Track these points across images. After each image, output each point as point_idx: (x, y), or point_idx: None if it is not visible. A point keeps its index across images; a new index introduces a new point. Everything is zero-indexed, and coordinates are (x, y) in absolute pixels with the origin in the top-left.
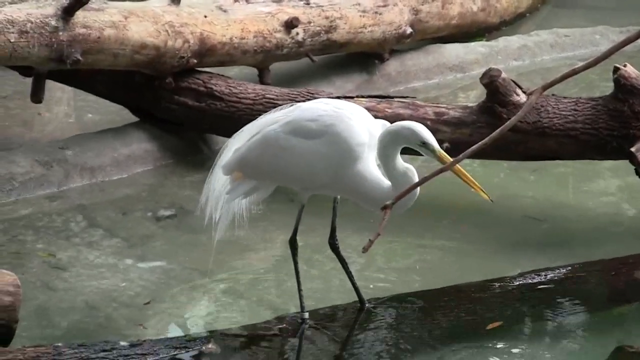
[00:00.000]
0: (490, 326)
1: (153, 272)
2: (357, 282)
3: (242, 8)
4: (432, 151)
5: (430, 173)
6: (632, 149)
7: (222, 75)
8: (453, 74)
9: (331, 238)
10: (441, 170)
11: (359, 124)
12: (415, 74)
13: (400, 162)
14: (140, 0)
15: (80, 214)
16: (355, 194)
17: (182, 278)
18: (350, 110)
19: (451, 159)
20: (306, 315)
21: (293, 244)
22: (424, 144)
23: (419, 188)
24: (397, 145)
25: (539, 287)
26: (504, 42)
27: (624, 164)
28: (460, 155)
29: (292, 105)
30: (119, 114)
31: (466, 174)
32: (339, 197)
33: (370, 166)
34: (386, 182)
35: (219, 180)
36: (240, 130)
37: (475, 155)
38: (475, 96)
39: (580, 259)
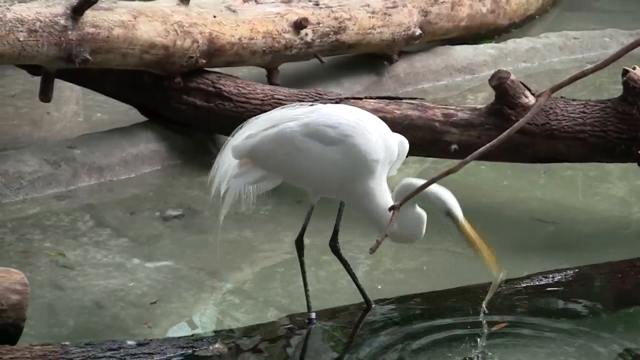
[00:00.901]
0: (495, 327)
1: (160, 271)
2: (364, 283)
3: (251, 8)
4: (455, 221)
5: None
6: None
7: (231, 76)
8: (462, 76)
9: (332, 240)
10: (448, 173)
11: (376, 140)
12: (424, 76)
13: (417, 208)
14: (149, 0)
15: (88, 214)
16: (361, 207)
17: (190, 278)
18: (370, 124)
19: (474, 232)
20: (313, 315)
21: (299, 244)
22: (449, 214)
23: (424, 228)
24: (420, 201)
25: (547, 289)
26: (513, 44)
27: (633, 166)
28: (468, 157)
29: (312, 105)
30: (128, 113)
31: (476, 242)
32: None
33: (382, 186)
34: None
35: (228, 161)
36: (257, 116)
37: (483, 157)
38: (483, 98)
39: (588, 262)
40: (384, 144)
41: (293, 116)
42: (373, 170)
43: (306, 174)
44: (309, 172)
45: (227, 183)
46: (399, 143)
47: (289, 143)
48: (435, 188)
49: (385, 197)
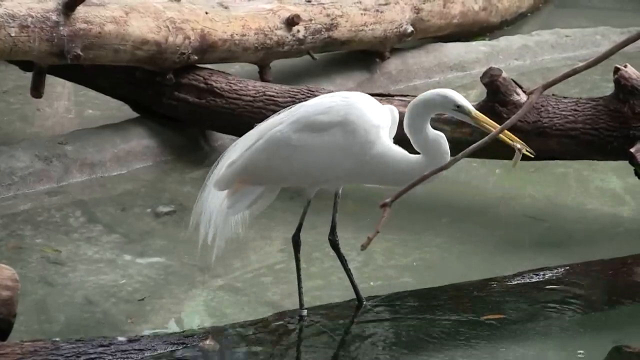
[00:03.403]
0: (487, 315)
1: (152, 268)
2: (355, 280)
3: (243, 5)
4: (467, 113)
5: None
6: (632, 150)
7: (223, 72)
8: (454, 73)
9: (331, 235)
10: (439, 170)
11: (369, 108)
12: (416, 73)
13: (431, 130)
14: None
15: (80, 210)
16: (381, 176)
17: (181, 274)
18: (357, 97)
19: (486, 118)
20: (304, 312)
21: (296, 240)
22: (459, 107)
23: (447, 147)
24: (429, 113)
25: (538, 286)
26: (505, 42)
27: (624, 164)
28: (460, 154)
29: (289, 109)
30: (120, 109)
31: (493, 126)
32: (340, 192)
33: (391, 146)
34: (412, 156)
35: (213, 197)
36: (233, 144)
37: (475, 154)
38: (475, 95)
39: (579, 259)
40: (377, 111)
41: (276, 122)
42: (378, 136)
43: (311, 169)
44: (315, 165)
45: (220, 217)
46: (390, 110)
47: (285, 146)
48: (436, 90)
49: (401, 152)
